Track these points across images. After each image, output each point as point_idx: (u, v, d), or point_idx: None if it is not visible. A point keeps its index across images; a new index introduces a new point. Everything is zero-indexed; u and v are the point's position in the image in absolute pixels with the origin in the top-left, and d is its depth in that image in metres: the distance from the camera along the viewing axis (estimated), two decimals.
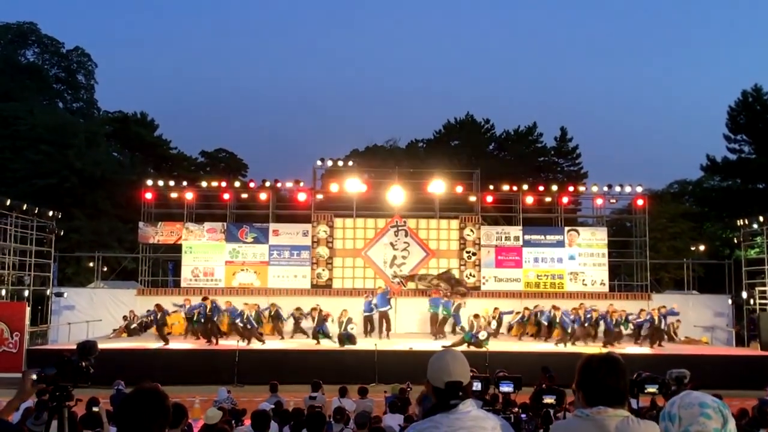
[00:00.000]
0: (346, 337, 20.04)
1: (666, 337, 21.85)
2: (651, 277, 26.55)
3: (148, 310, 21.62)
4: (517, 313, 23.70)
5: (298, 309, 22.10)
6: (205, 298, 20.83)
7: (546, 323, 21.97)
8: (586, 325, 21.25)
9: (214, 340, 20.11)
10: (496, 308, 23.44)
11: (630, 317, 21.68)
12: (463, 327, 21.84)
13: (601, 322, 21.49)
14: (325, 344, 20.28)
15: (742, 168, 40.82)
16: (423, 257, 25.42)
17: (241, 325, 20.39)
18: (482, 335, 20.04)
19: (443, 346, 17.35)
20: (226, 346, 19.63)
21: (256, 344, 20.12)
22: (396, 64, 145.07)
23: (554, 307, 21.90)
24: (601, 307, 21.89)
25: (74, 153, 35.04)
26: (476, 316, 20.90)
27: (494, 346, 19.95)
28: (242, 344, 19.35)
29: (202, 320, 20.29)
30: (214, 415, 9.11)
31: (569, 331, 20.95)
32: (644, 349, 20.42)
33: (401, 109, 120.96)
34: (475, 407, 2.91)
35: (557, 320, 21.36)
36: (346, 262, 25.53)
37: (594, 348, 19.28)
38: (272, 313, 22.19)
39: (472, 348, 18.80)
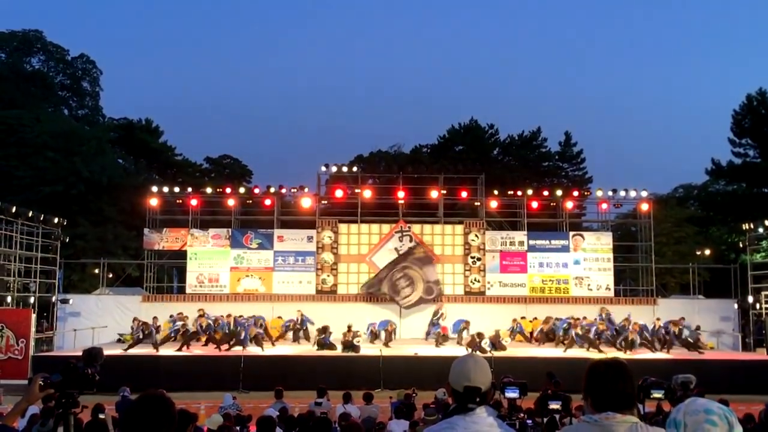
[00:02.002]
0: (350, 347, 20.10)
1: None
2: (656, 281, 26.46)
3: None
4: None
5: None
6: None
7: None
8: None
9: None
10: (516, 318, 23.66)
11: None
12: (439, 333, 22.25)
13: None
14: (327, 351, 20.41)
15: (747, 172, 40.74)
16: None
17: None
18: (484, 342, 20.13)
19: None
20: (231, 353, 19.64)
21: (257, 350, 20.20)
22: (400, 69, 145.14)
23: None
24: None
25: (80, 160, 35.11)
26: (479, 334, 20.83)
27: (499, 351, 19.99)
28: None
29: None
30: (216, 421, 9.14)
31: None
32: (649, 354, 20.35)
33: (405, 114, 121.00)
34: (491, 415, 2.93)
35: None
36: (351, 268, 25.50)
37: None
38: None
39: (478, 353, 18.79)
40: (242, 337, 20.46)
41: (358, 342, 20.34)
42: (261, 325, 21.82)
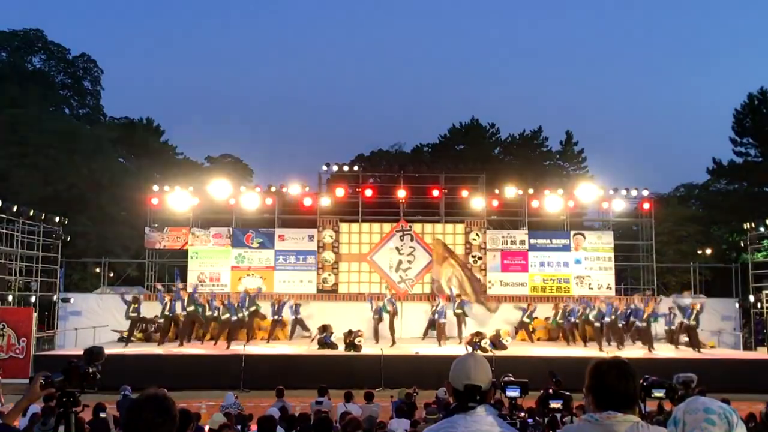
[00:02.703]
0: (351, 346, 20.15)
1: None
2: (657, 281, 26.46)
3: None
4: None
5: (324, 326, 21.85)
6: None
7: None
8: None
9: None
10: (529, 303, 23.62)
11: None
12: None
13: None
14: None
15: (748, 171, 40.77)
16: (428, 262, 25.36)
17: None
18: (484, 342, 20.11)
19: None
20: (232, 351, 19.65)
21: (258, 349, 20.24)
22: (401, 68, 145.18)
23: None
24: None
25: (81, 159, 35.15)
26: (478, 333, 20.80)
27: (500, 351, 20.00)
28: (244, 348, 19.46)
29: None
30: (217, 420, 9.15)
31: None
32: (652, 352, 20.32)
33: (406, 114, 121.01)
34: (491, 414, 2.92)
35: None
36: (352, 267, 25.50)
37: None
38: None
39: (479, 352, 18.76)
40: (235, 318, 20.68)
41: (360, 342, 20.35)
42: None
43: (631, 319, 21.14)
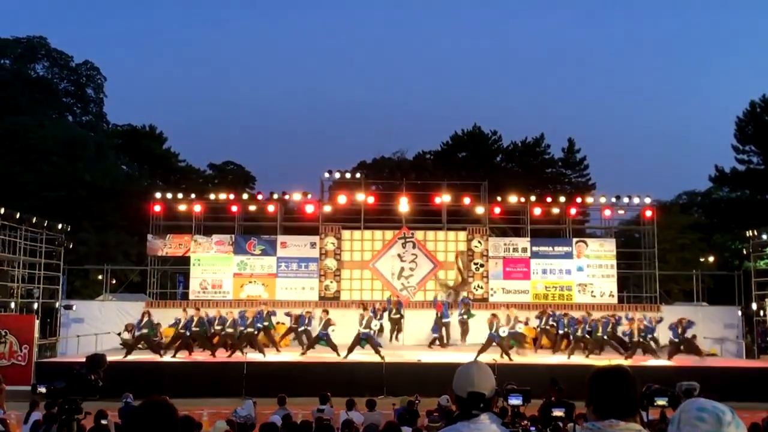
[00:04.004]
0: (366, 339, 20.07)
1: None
2: (660, 288, 26.38)
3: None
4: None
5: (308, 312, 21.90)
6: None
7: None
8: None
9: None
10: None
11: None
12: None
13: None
14: (325, 353, 20.19)
15: (750, 178, 40.76)
16: (431, 269, 25.36)
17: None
18: (503, 331, 19.57)
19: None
20: (233, 359, 19.62)
21: (259, 356, 20.15)
22: (403, 75, 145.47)
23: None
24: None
25: (84, 166, 35.26)
26: (494, 315, 20.45)
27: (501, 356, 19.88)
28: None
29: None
30: (219, 427, 9.15)
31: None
32: (654, 361, 20.26)
33: (409, 121, 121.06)
34: (494, 422, 2.92)
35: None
36: (354, 274, 25.50)
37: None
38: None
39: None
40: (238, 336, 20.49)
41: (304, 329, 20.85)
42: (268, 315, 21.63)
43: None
